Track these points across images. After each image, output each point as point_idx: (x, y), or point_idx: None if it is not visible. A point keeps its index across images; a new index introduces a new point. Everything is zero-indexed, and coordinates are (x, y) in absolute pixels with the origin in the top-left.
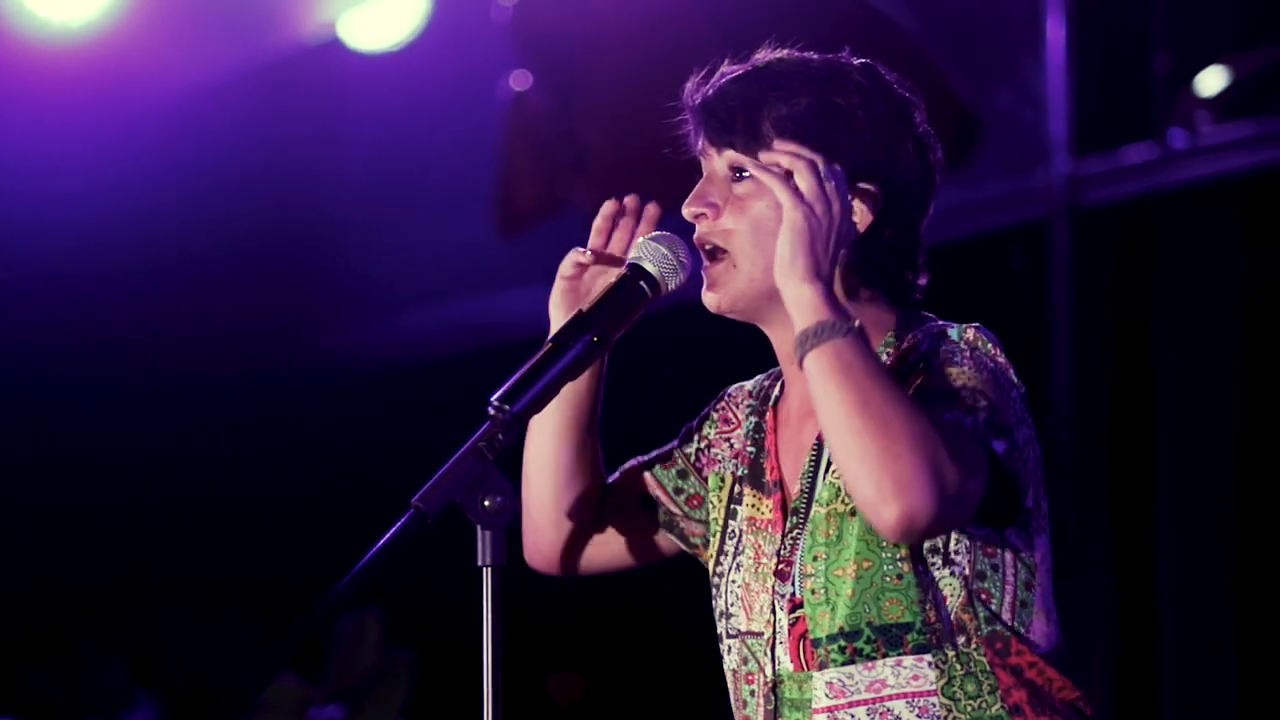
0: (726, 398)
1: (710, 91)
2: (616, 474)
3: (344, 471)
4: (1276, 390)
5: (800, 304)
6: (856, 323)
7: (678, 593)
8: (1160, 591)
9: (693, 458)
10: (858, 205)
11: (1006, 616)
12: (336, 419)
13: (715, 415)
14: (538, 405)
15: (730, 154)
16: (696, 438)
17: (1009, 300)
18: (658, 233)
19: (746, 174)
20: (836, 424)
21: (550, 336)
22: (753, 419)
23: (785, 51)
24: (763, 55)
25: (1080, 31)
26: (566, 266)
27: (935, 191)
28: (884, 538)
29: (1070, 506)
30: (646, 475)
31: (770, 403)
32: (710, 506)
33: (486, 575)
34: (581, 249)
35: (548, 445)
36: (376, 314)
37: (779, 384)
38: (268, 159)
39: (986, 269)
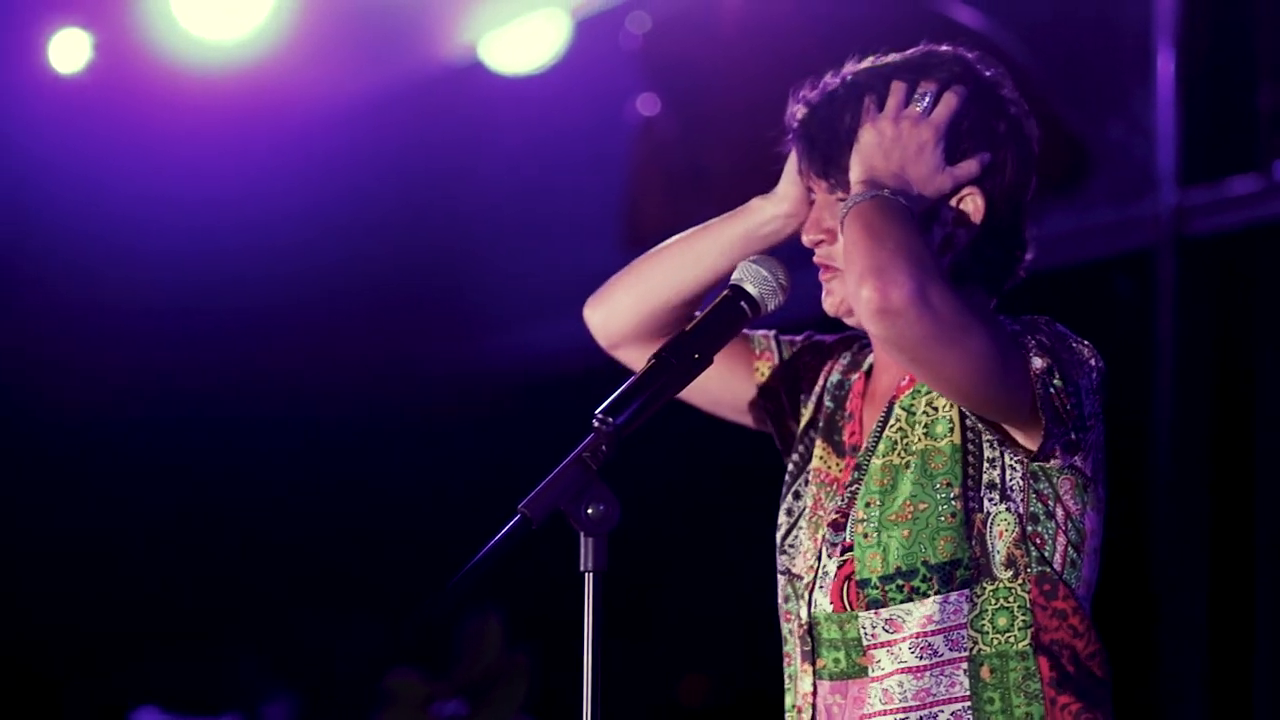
0: (840, 342)
1: (804, 119)
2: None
3: (469, 478)
4: None
5: (850, 194)
6: (888, 193)
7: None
8: (1261, 614)
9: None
10: (964, 211)
11: (1057, 564)
12: (463, 428)
13: (828, 356)
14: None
15: (831, 181)
16: (806, 350)
17: (1115, 326)
18: (759, 255)
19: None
20: (848, 251)
21: (653, 354)
22: (839, 378)
23: (870, 60)
24: (849, 66)
25: (1188, 64)
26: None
27: (1030, 173)
28: (874, 329)
29: (1171, 533)
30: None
31: (861, 369)
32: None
33: (588, 580)
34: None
35: (708, 260)
36: (506, 327)
37: (870, 356)
38: (409, 176)
39: (1093, 295)
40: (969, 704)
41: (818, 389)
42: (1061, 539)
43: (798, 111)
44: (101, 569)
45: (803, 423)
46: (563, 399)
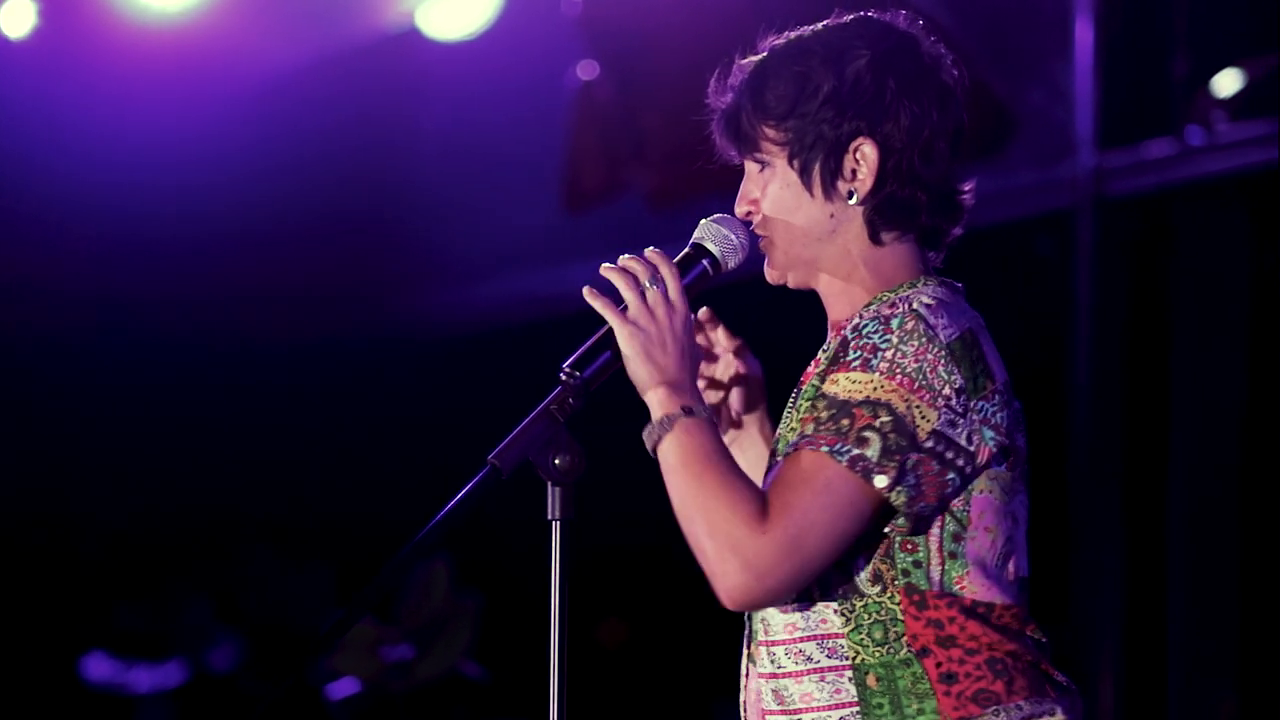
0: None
1: (722, 99)
2: None
3: (412, 428)
4: None
5: (650, 407)
6: (690, 412)
7: None
8: (1172, 564)
9: None
10: (857, 165)
11: (935, 565)
12: (406, 380)
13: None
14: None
15: (745, 154)
16: None
17: (1035, 284)
18: (720, 214)
19: (764, 165)
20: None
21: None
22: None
23: (784, 36)
24: (765, 44)
25: (1106, 34)
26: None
27: (948, 117)
28: None
29: (1088, 484)
30: None
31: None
32: None
33: (556, 529)
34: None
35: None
36: (447, 285)
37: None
38: (348, 139)
39: (1015, 254)
40: (857, 709)
41: None
42: (934, 539)
43: (714, 97)
44: (51, 516)
45: None
46: (514, 350)
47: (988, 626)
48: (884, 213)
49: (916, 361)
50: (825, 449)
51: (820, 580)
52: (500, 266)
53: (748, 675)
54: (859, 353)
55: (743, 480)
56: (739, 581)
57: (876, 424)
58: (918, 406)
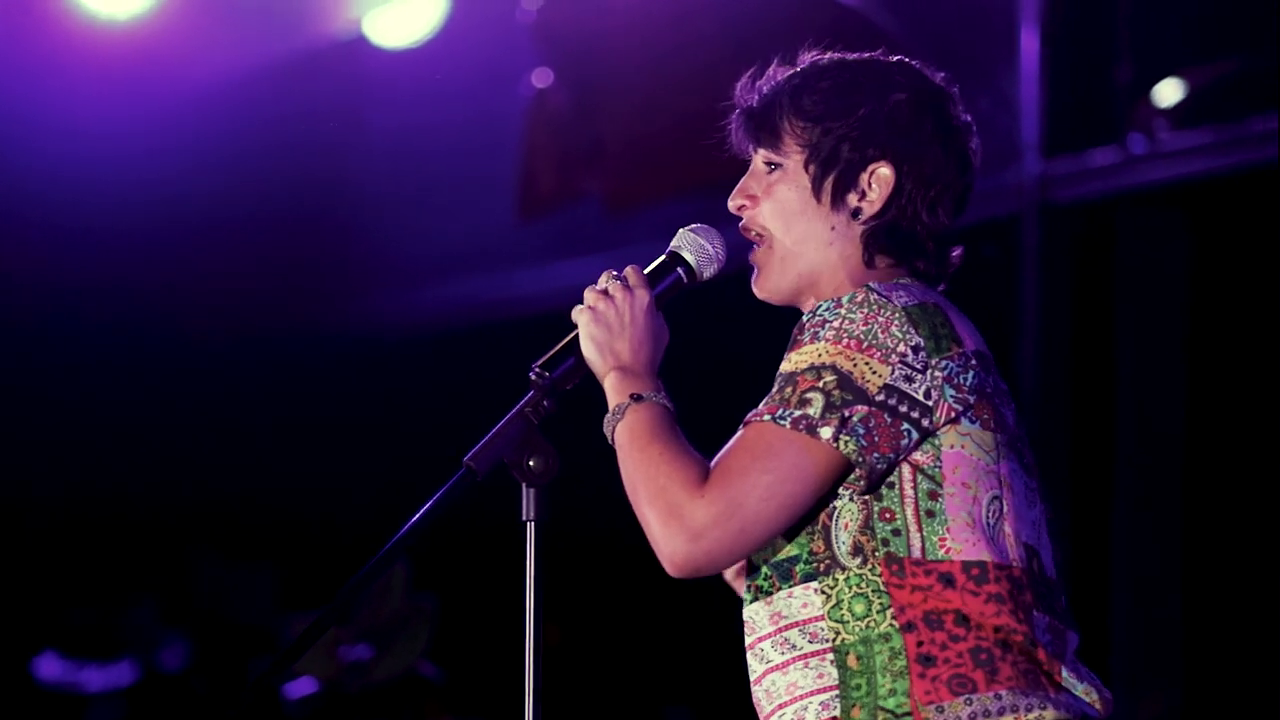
0: None
1: (750, 95)
2: None
3: (361, 430)
4: (1221, 375)
5: (607, 391)
6: (639, 398)
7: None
8: (1116, 567)
9: None
10: (872, 183)
11: (914, 532)
12: (357, 382)
13: None
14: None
15: (760, 149)
16: None
17: (981, 288)
18: (697, 225)
19: (775, 166)
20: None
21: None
22: None
23: (828, 55)
24: (805, 57)
25: (1051, 44)
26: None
27: (961, 179)
28: None
29: None
30: None
31: None
32: None
33: (530, 529)
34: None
35: None
36: (396, 288)
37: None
38: (297, 144)
39: (961, 258)
40: (837, 692)
41: None
42: (909, 500)
43: (744, 92)
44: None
45: None
46: (452, 356)
47: (977, 599)
48: (881, 238)
49: (866, 325)
50: (768, 417)
51: (803, 560)
52: (451, 271)
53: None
54: (810, 330)
55: (687, 452)
56: (679, 546)
57: (820, 384)
58: (867, 363)
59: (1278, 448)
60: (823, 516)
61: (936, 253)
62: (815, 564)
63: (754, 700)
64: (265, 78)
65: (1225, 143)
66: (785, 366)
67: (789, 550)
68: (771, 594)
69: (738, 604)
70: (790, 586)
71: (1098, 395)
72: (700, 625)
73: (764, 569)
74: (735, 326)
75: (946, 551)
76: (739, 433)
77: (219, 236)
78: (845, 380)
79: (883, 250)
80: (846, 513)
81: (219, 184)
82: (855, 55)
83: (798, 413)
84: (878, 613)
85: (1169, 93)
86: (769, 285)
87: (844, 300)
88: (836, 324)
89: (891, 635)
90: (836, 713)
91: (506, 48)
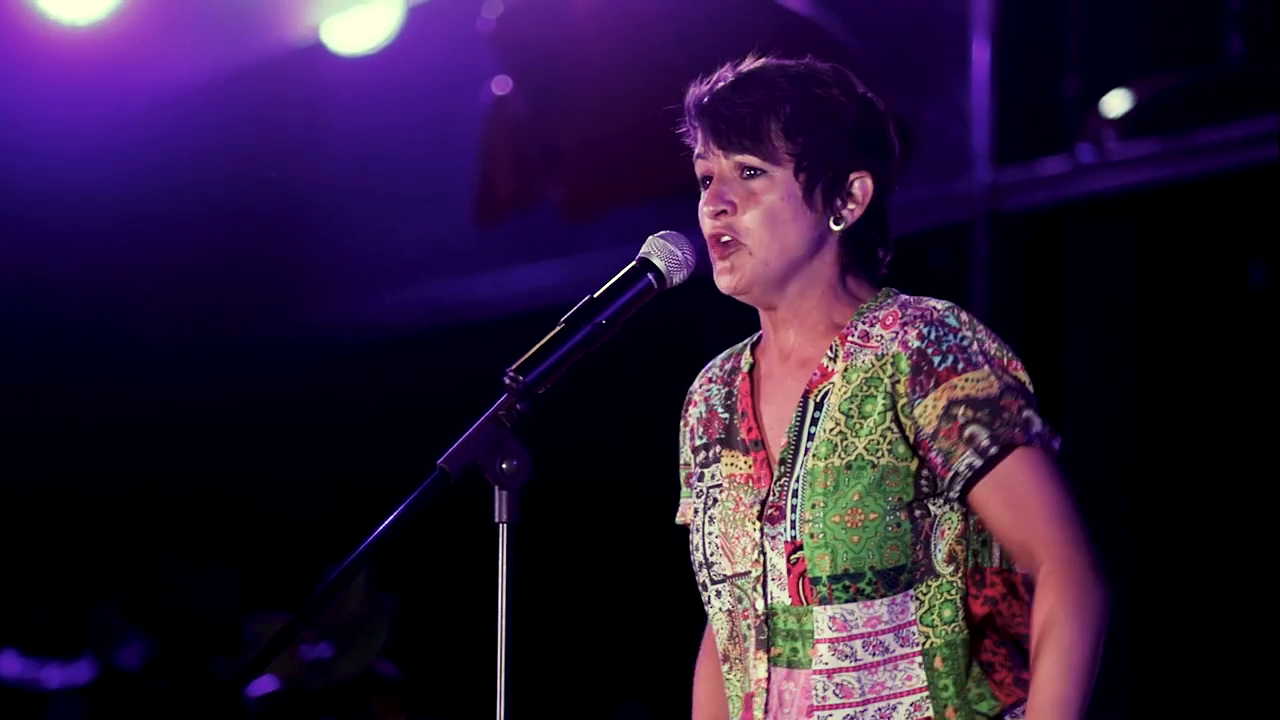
0: (687, 398)
1: (712, 98)
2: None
3: (320, 432)
4: (1168, 380)
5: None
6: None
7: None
8: None
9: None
10: (852, 195)
11: (997, 545)
12: (318, 384)
13: (685, 424)
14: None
15: (739, 156)
16: (685, 453)
17: (931, 295)
18: (667, 231)
19: (757, 172)
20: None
21: (563, 318)
22: (723, 390)
23: (764, 60)
24: (746, 64)
25: (1002, 54)
26: None
27: (902, 174)
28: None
29: None
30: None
31: (744, 369)
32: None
33: (502, 531)
34: None
35: None
36: (353, 293)
37: (748, 351)
38: (255, 150)
39: (912, 266)
40: (927, 694)
41: (691, 442)
42: None
43: (700, 95)
44: None
45: (692, 468)
46: (409, 360)
47: (1026, 606)
48: (858, 243)
49: (994, 340)
50: (1021, 443)
51: (907, 569)
52: (411, 275)
53: (769, 678)
54: (952, 356)
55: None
56: (1101, 592)
57: (1022, 402)
58: (1019, 372)
59: (1227, 456)
60: (926, 526)
61: (885, 251)
62: (916, 571)
63: (772, 696)
64: (224, 83)
65: (1172, 153)
66: (969, 392)
67: (898, 560)
68: (874, 599)
69: (693, 599)
70: (894, 594)
71: (1046, 400)
72: (655, 620)
73: (869, 574)
74: (703, 328)
75: (1012, 561)
76: (1002, 466)
77: (179, 240)
78: (1028, 393)
79: (859, 254)
80: (946, 522)
81: (178, 188)
82: (792, 62)
83: (1034, 430)
84: (962, 619)
85: (1117, 103)
86: (743, 283)
87: (953, 323)
88: (979, 347)
89: (971, 640)
90: (930, 713)
91: (465, 55)
